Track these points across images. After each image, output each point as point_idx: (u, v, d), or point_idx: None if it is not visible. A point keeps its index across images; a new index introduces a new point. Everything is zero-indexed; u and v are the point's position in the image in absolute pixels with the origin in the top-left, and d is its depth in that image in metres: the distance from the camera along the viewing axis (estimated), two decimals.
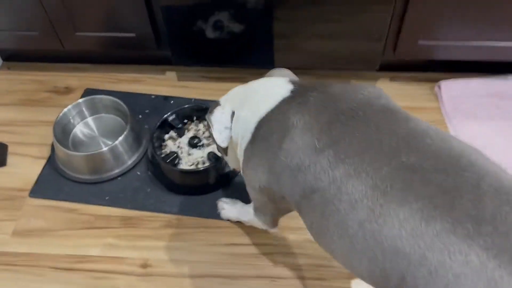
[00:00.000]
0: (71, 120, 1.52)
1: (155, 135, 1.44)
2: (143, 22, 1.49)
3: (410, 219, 0.66)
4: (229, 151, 1.06)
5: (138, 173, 1.46)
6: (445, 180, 0.67)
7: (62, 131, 1.49)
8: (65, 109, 1.50)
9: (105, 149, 1.40)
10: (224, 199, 1.36)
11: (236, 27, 1.50)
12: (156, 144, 1.43)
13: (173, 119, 1.49)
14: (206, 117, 1.01)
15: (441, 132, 0.77)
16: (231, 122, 0.97)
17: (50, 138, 1.54)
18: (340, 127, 0.78)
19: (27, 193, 1.42)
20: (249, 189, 1.03)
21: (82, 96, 1.67)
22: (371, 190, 0.70)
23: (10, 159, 1.52)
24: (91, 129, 1.54)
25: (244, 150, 0.94)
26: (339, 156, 0.75)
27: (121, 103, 1.50)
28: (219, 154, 1.37)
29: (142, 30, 1.52)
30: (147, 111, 1.63)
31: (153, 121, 1.57)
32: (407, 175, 0.69)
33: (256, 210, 1.13)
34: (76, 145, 1.51)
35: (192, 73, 1.75)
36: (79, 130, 1.54)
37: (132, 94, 1.68)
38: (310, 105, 0.83)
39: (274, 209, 1.05)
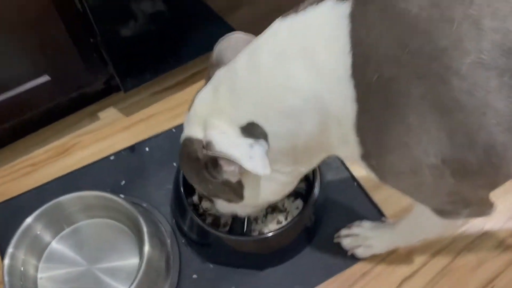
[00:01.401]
0: (24, 269, 0.81)
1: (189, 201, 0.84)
2: (66, 47, 0.82)
3: None
4: (263, 180, 0.66)
5: (195, 276, 0.86)
6: None
7: None
8: (6, 259, 0.78)
9: None
10: (344, 233, 0.88)
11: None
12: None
13: None
14: (207, 152, 0.60)
15: None
16: (244, 135, 0.59)
17: None
18: None
19: None
20: (417, 188, 0.59)
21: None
22: None
23: None
24: (68, 260, 0.85)
25: (358, 128, 0.55)
26: None
27: (107, 195, 0.84)
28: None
29: (66, 60, 0.85)
30: (122, 182, 0.99)
31: (141, 191, 0.96)
32: None
33: (444, 211, 0.66)
34: None
35: (138, 96, 1.12)
36: (46, 277, 0.84)
37: (78, 172, 1.00)
38: None
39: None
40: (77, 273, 0.84)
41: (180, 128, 1.06)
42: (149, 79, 1.01)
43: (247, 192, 0.68)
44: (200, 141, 0.62)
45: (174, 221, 0.93)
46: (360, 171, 0.98)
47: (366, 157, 0.58)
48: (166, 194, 0.95)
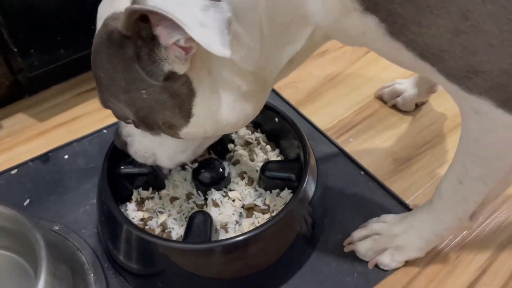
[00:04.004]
0: None
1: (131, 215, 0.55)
2: None
3: None
4: (221, 84, 0.44)
5: None
6: None
7: None
8: None
9: None
10: (359, 234, 0.59)
11: None
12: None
13: (126, 163, 0.61)
14: (134, 7, 0.37)
15: None
16: None
17: None
18: None
19: None
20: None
21: None
22: None
23: None
24: None
25: None
26: None
27: None
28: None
29: None
30: (26, 201, 0.67)
31: (53, 210, 0.66)
32: None
33: None
34: None
35: (58, 98, 0.84)
36: None
37: None
38: None
39: None
40: None
41: (114, 128, 0.78)
42: (64, 57, 0.74)
43: (198, 105, 0.43)
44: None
45: (102, 247, 0.61)
46: (364, 155, 0.71)
47: (399, 27, 0.37)
48: (91, 212, 0.65)
